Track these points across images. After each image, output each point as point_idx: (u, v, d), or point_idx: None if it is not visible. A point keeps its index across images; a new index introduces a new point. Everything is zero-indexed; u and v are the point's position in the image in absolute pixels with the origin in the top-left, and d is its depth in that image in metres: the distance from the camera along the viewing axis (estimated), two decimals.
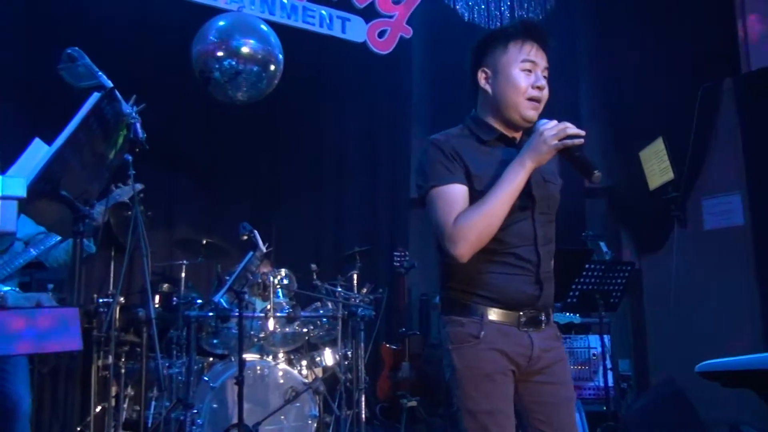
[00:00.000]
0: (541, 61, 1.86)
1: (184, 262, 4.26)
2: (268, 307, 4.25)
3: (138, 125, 1.90)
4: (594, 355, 5.14)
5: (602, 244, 4.39)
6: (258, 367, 4.14)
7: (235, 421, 3.74)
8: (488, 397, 1.77)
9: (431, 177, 1.83)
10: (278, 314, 4.22)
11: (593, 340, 5.15)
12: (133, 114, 1.87)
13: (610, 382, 5.05)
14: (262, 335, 4.36)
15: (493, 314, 1.81)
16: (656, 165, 5.00)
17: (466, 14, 4.87)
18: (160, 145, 5.26)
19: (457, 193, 1.80)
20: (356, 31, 4.61)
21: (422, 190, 1.86)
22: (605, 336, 5.09)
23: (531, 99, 1.84)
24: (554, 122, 1.77)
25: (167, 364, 4.30)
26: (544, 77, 1.86)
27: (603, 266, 4.10)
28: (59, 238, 3.21)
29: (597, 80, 5.73)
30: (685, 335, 4.90)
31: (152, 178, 5.47)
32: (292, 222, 6.16)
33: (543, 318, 1.87)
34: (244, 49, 3.85)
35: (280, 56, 3.99)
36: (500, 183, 1.76)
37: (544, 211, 1.89)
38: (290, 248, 6.00)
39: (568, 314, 4.81)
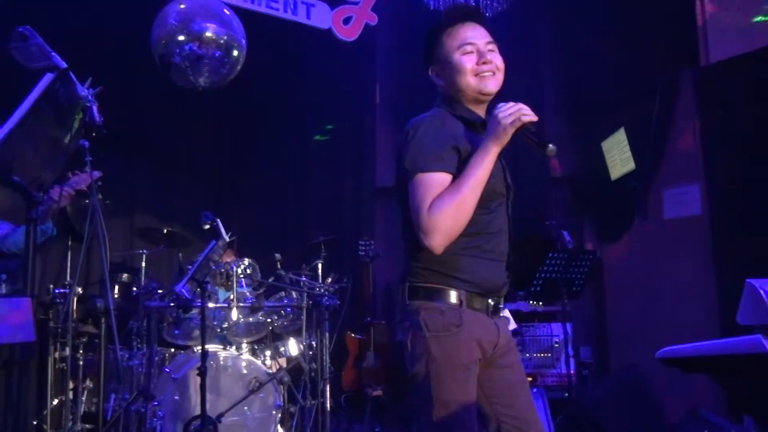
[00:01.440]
0: (480, 38, 1.89)
1: (144, 251, 4.16)
2: (231, 297, 4.19)
3: (95, 108, 1.82)
4: (556, 342, 5.21)
5: (565, 233, 4.44)
6: (221, 358, 4.08)
7: (197, 412, 3.68)
8: (464, 388, 1.77)
9: (421, 162, 1.79)
10: (241, 304, 4.16)
11: (555, 328, 5.21)
12: (89, 97, 1.79)
13: (572, 369, 5.14)
14: (225, 325, 4.31)
15: (470, 299, 1.80)
16: (618, 155, 5.07)
17: (431, 3, 4.84)
18: (120, 131, 5.19)
19: (441, 182, 1.77)
20: (321, 17, 4.54)
21: (407, 174, 1.81)
22: (567, 324, 5.19)
23: (479, 74, 1.87)
24: (510, 104, 1.78)
25: (127, 356, 4.21)
26: (490, 50, 1.88)
27: (566, 255, 4.15)
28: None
29: (560, 72, 5.77)
30: (644, 322, 5.00)
31: (111, 166, 5.32)
32: (256, 211, 6.10)
33: (501, 305, 1.91)
34: (207, 34, 3.76)
35: (243, 41, 3.91)
36: (469, 171, 1.76)
37: (509, 198, 1.94)
38: (254, 238, 5.94)
39: (531, 303, 4.87)
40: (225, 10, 3.93)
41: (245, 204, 6.08)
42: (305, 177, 6.13)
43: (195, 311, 4.06)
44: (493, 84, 1.89)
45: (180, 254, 4.46)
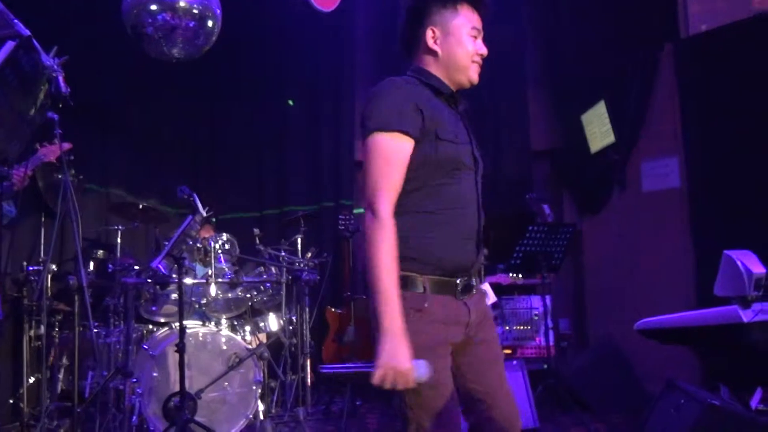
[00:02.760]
0: (481, 28, 1.88)
1: (119, 227, 4.08)
2: (210, 272, 4.14)
3: (61, 79, 1.74)
4: (536, 315, 5.26)
5: (545, 206, 4.44)
6: (200, 334, 4.03)
7: (176, 389, 3.65)
8: (431, 372, 1.69)
9: (379, 118, 1.73)
10: (220, 280, 4.12)
11: (535, 300, 5.26)
12: (55, 67, 1.72)
13: (551, 341, 5.19)
14: (203, 301, 4.26)
15: (434, 284, 1.75)
16: (597, 128, 5.06)
17: None
18: (92, 104, 5.08)
19: (401, 154, 1.72)
20: None
21: (366, 131, 1.75)
22: (546, 296, 5.23)
23: (474, 62, 1.86)
24: (416, 368, 1.65)
25: (104, 333, 4.16)
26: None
27: (546, 228, 4.16)
28: None
29: (542, 45, 5.73)
30: (623, 295, 5.05)
31: (84, 140, 5.21)
32: (234, 185, 6.03)
33: (474, 282, 1.85)
34: (180, 4, 3.64)
35: (218, 11, 3.80)
36: (380, 297, 1.66)
37: (479, 174, 1.88)
38: (232, 212, 5.88)
39: (512, 276, 4.89)
40: None
41: (223, 177, 6.01)
42: (283, 149, 6.05)
43: (172, 287, 4.02)
44: (477, 76, 1.90)
45: (157, 229, 4.38)
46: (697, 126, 4.57)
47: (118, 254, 4.04)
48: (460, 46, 1.83)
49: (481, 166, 1.89)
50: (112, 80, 5.11)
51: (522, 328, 5.35)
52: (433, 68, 1.87)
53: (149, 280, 3.87)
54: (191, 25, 3.68)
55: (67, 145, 3.28)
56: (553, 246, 4.27)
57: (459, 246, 1.77)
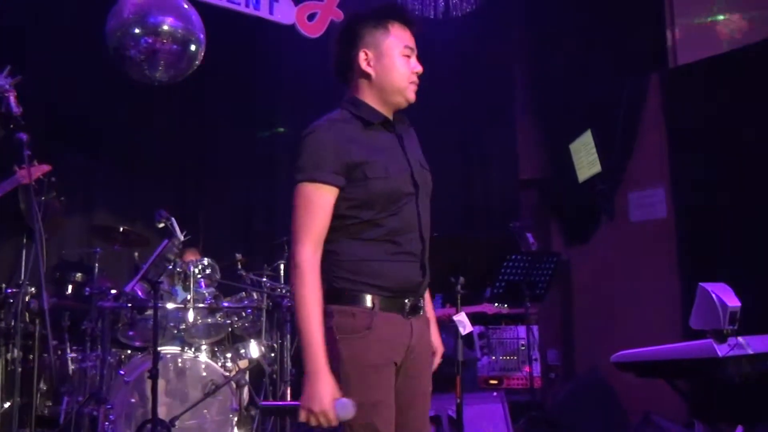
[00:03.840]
0: (414, 46, 1.88)
1: (97, 249, 4.04)
2: (189, 297, 4.09)
3: (12, 98, 1.72)
4: (522, 345, 5.19)
5: (529, 235, 4.40)
6: (177, 360, 3.98)
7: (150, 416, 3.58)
8: (373, 389, 1.75)
9: (304, 168, 1.78)
10: (199, 305, 4.06)
11: (522, 330, 5.19)
12: (6, 86, 1.70)
13: (537, 372, 5.11)
14: (182, 327, 4.20)
15: (383, 303, 1.79)
16: (585, 157, 5.05)
17: None
18: (77, 126, 5.09)
19: (323, 202, 1.77)
20: (284, 12, 4.45)
21: (294, 178, 1.81)
22: (533, 327, 5.16)
23: (412, 82, 1.87)
24: (339, 408, 1.69)
25: (80, 357, 4.10)
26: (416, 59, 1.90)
27: (529, 257, 4.12)
28: None
29: (530, 73, 5.74)
30: (610, 325, 4.98)
31: (69, 162, 5.22)
32: (221, 210, 5.98)
33: (421, 304, 1.89)
34: (163, 27, 3.66)
35: (202, 36, 3.82)
36: (306, 342, 1.71)
37: (424, 198, 1.90)
38: (218, 237, 5.82)
39: (497, 305, 4.82)
40: (183, 4, 3.83)
41: (210, 202, 5.97)
42: (272, 176, 6.02)
43: (150, 312, 3.96)
44: (414, 95, 1.91)
45: (136, 253, 4.34)
46: (683, 156, 4.55)
47: (95, 277, 3.99)
48: (393, 67, 1.83)
49: (423, 188, 1.89)
50: (98, 102, 5.11)
51: (508, 358, 5.27)
52: (368, 93, 1.87)
53: (127, 305, 3.83)
54: (174, 48, 3.68)
55: (45, 167, 3.27)
56: (537, 275, 4.22)
57: (405, 268, 1.82)
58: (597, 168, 4.89)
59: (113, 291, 3.87)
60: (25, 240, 4.57)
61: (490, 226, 5.31)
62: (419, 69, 1.86)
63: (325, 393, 1.67)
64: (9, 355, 4.22)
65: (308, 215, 1.76)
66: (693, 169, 4.45)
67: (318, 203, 1.76)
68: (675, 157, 4.61)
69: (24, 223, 4.55)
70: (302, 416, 1.69)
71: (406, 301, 1.83)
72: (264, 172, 6.00)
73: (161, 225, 3.51)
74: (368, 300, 1.78)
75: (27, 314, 4.25)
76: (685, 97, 4.57)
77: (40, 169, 3.16)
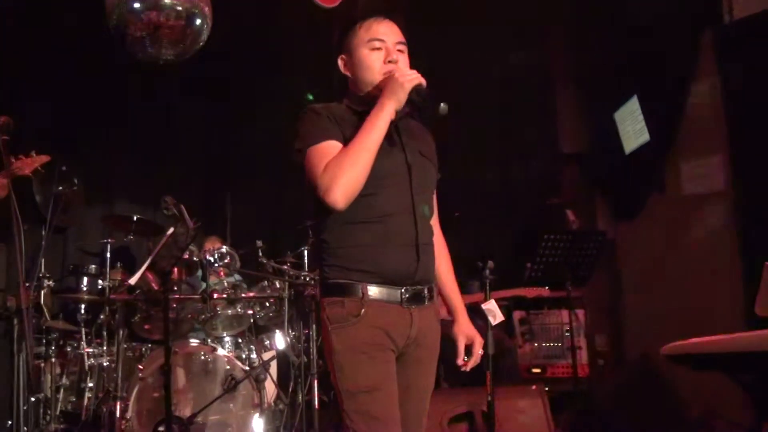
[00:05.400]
0: (392, 35, 1.88)
1: (109, 240, 3.87)
2: (207, 288, 3.89)
3: None
4: (567, 331, 4.84)
5: (568, 212, 4.03)
6: (196, 354, 3.80)
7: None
8: (367, 376, 1.73)
9: (307, 138, 1.80)
10: (217, 296, 3.86)
11: (567, 315, 4.85)
12: None
13: (582, 360, 4.77)
14: (202, 318, 4.02)
15: (374, 292, 1.77)
16: (631, 126, 4.63)
17: None
18: (97, 111, 4.93)
19: (332, 147, 1.77)
20: None
21: (300, 155, 1.81)
22: (578, 311, 4.81)
23: (385, 73, 1.86)
24: (406, 69, 1.84)
25: (97, 352, 3.96)
26: (399, 50, 1.88)
27: (570, 237, 3.75)
28: None
29: (569, 39, 5.31)
30: (663, 309, 4.57)
31: (89, 152, 5.10)
32: (248, 197, 5.78)
33: (426, 293, 1.84)
34: (164, 1, 3.42)
35: (207, 9, 3.56)
36: (363, 126, 1.77)
37: (421, 183, 1.88)
38: (245, 225, 5.63)
39: (537, 288, 4.48)
40: None
41: (237, 190, 5.77)
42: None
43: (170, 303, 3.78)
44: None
45: (150, 243, 4.16)
46: (744, 120, 4.08)
47: (108, 270, 3.82)
48: (361, 64, 1.87)
49: (420, 173, 1.88)
50: (118, 87, 4.95)
51: (552, 345, 4.94)
52: (353, 94, 1.92)
53: (140, 298, 3.66)
54: (177, 24, 3.44)
55: (44, 158, 3.12)
56: (580, 256, 3.87)
57: (396, 254, 1.78)
58: (645, 137, 4.46)
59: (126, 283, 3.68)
60: (44, 232, 4.47)
61: (529, 204, 4.93)
62: (391, 57, 1.85)
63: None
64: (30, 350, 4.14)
65: (321, 159, 1.74)
66: (755, 133, 3.97)
67: (329, 149, 1.76)
68: (733, 122, 4.14)
69: (41, 215, 4.45)
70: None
71: (403, 289, 1.79)
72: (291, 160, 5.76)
73: (168, 212, 3.29)
74: (358, 289, 1.77)
75: (45, 309, 4.17)
76: (742, 54, 4.09)
77: (38, 160, 3.00)
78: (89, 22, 4.05)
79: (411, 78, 1.76)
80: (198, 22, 3.55)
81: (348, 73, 1.92)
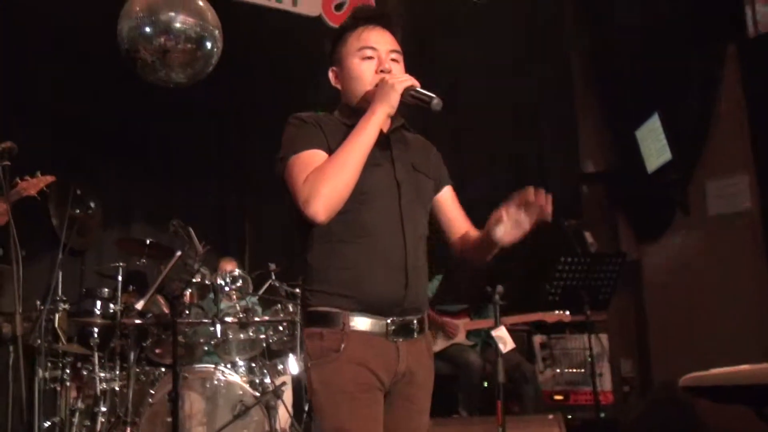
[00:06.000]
0: (384, 44, 1.74)
1: (120, 264, 3.86)
2: (218, 312, 3.85)
3: None
4: (591, 356, 4.70)
5: (586, 234, 3.91)
6: (206, 380, 3.74)
7: None
8: (348, 420, 1.57)
9: (289, 147, 1.67)
10: (228, 319, 3.81)
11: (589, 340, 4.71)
12: None
13: (607, 386, 4.62)
14: (213, 342, 3.97)
15: (356, 322, 1.61)
16: (653, 144, 4.50)
17: None
18: (115, 134, 4.97)
19: (315, 156, 1.63)
20: (309, 3, 4.15)
21: (282, 164, 1.67)
22: (602, 335, 4.66)
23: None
24: (399, 73, 1.72)
25: (109, 377, 3.93)
26: (393, 60, 1.74)
27: (588, 259, 3.63)
28: None
29: (588, 52, 5.21)
30: (689, 333, 4.41)
31: (108, 175, 5.13)
32: (267, 219, 5.76)
33: (415, 325, 1.67)
34: (175, 25, 3.42)
35: (217, 32, 3.56)
36: (351, 134, 1.64)
37: (412, 198, 1.72)
38: (264, 247, 5.61)
39: (557, 312, 4.34)
40: (198, 0, 3.59)
41: (255, 211, 5.76)
42: None
43: (182, 327, 3.75)
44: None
45: (162, 266, 4.13)
46: None
47: (119, 293, 3.80)
48: (351, 76, 1.74)
49: (410, 188, 1.72)
50: (137, 109, 4.98)
51: (575, 370, 4.79)
52: (345, 106, 1.80)
53: (144, 322, 3.63)
54: (187, 47, 3.44)
55: (49, 178, 3.11)
56: (599, 279, 3.73)
57: (382, 278, 1.62)
58: (667, 155, 4.33)
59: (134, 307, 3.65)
60: (60, 255, 4.49)
61: (548, 226, 4.80)
62: (384, 66, 1.71)
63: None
64: (48, 373, 4.14)
65: (303, 168, 1.61)
66: None
67: (312, 158, 1.63)
68: (760, 139, 4.00)
69: (57, 237, 4.47)
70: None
71: (389, 320, 1.63)
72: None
73: (177, 235, 3.27)
74: (339, 319, 1.61)
75: (60, 332, 4.17)
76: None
77: (43, 180, 2.99)
78: (103, 46, 4.10)
79: (402, 80, 1.64)
80: (209, 45, 3.55)
81: (338, 86, 1.79)
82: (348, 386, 1.57)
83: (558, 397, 4.69)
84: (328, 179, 1.56)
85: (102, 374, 3.96)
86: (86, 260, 4.87)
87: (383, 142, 1.71)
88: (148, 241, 4.04)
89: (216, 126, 5.45)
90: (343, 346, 1.58)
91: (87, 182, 4.55)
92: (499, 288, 2.62)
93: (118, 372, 3.93)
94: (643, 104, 4.67)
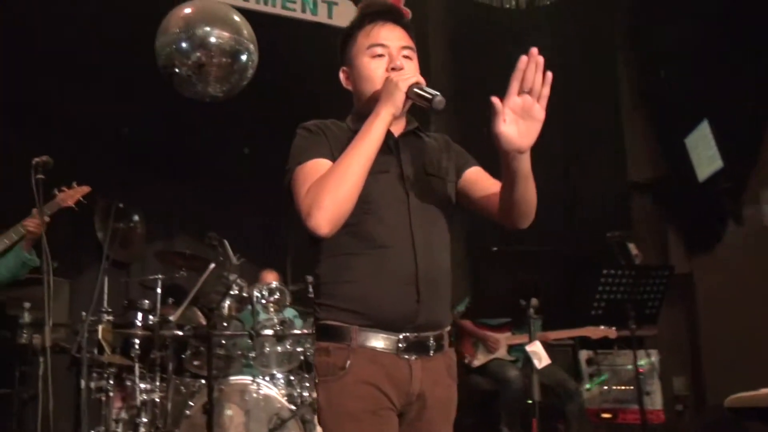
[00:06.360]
0: (395, 40, 1.64)
1: (160, 276, 3.92)
2: (255, 324, 3.86)
3: None
4: (640, 373, 4.51)
5: (630, 245, 3.74)
6: (243, 392, 3.75)
7: None
8: None
9: (294, 159, 1.61)
10: (265, 332, 3.81)
11: (640, 355, 4.52)
12: None
13: (657, 405, 4.44)
14: (252, 355, 3.98)
15: (364, 337, 1.52)
16: (703, 152, 4.30)
17: None
18: (161, 148, 5.08)
19: (319, 166, 1.55)
20: (345, 15, 4.14)
21: (288, 176, 1.61)
22: (651, 352, 4.49)
23: None
24: (403, 71, 1.59)
25: (149, 388, 3.97)
26: (405, 56, 1.64)
27: (632, 272, 3.48)
28: None
29: (636, 60, 5.04)
30: (746, 349, 4.17)
31: (153, 188, 5.24)
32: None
33: (431, 342, 1.56)
34: (210, 39, 3.46)
35: (252, 46, 3.59)
36: (354, 139, 1.54)
37: (424, 205, 1.61)
38: (307, 259, 5.61)
39: (602, 327, 4.19)
40: (233, 14, 3.63)
41: (297, 224, 5.77)
42: None
43: (215, 340, 3.77)
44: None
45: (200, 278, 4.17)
46: None
47: (159, 304, 3.85)
48: (361, 75, 1.64)
49: (421, 194, 1.61)
50: (182, 124, 5.08)
51: (623, 388, 4.60)
52: (358, 106, 1.70)
53: (181, 333, 3.66)
54: (222, 61, 3.47)
55: (85, 189, 3.17)
56: (646, 292, 3.56)
57: (391, 293, 1.52)
58: (718, 163, 4.14)
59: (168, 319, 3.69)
60: (102, 267, 4.59)
61: (595, 238, 4.64)
62: (395, 64, 1.61)
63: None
64: (93, 384, 4.22)
65: (308, 179, 1.54)
66: None
67: (316, 168, 1.55)
68: None
69: (102, 251, 4.58)
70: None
71: (401, 336, 1.53)
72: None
73: (211, 246, 3.29)
74: (347, 334, 1.52)
75: (105, 344, 4.26)
76: None
77: (79, 191, 3.06)
78: (146, 62, 4.19)
79: (407, 77, 1.53)
80: (244, 58, 3.57)
81: (350, 87, 1.70)
82: (353, 407, 1.48)
83: (606, 416, 4.52)
84: (329, 190, 1.47)
85: (142, 385, 4.01)
86: (131, 272, 4.97)
87: (392, 146, 1.63)
88: (187, 253, 4.08)
89: (259, 138, 5.51)
90: (348, 362, 1.50)
91: (131, 196, 4.64)
92: (534, 301, 2.52)
93: (158, 383, 3.98)
94: (692, 110, 4.48)
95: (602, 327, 4.14)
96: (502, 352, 4.22)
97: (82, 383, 3.82)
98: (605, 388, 4.63)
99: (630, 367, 4.47)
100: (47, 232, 3.03)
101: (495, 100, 1.39)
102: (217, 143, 5.32)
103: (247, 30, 3.64)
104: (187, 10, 3.54)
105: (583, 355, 4.67)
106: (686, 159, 4.55)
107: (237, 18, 3.64)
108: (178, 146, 5.18)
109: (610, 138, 5.11)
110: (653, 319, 3.66)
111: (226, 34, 3.51)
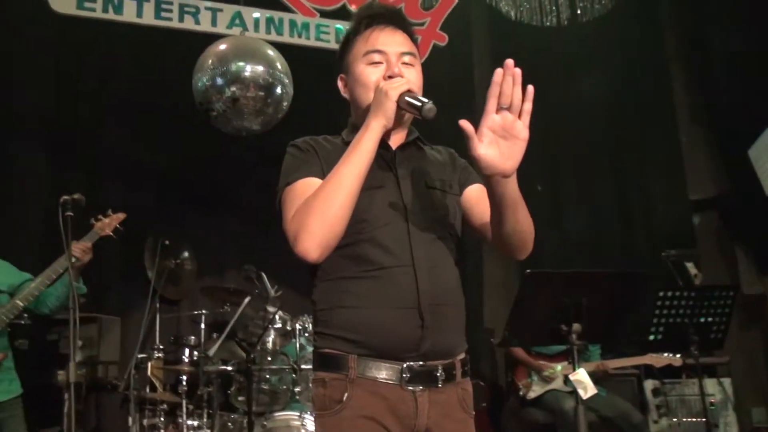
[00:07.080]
0: (394, 45, 1.53)
1: (203, 311, 3.92)
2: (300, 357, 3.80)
3: None
4: (712, 403, 4.20)
5: (688, 265, 3.49)
6: (287, 428, 3.67)
7: None
8: None
9: (283, 178, 1.52)
10: (304, 366, 3.74)
11: (710, 384, 4.22)
12: None
13: None
14: (297, 390, 3.90)
15: (363, 367, 1.39)
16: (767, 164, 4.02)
17: (512, 12, 4.24)
18: (208, 185, 5.14)
19: (308, 186, 1.45)
20: None
21: (276, 197, 1.53)
22: (724, 380, 4.18)
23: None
24: (394, 79, 1.47)
25: (196, 424, 3.96)
26: (405, 63, 1.53)
27: (692, 293, 3.23)
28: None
29: (692, 72, 4.80)
30: None
31: (201, 225, 5.30)
32: None
33: (440, 372, 1.41)
34: (245, 74, 3.50)
35: (287, 80, 3.61)
36: (344, 154, 1.43)
37: (426, 222, 1.48)
38: None
39: (666, 355, 3.92)
40: (267, 49, 3.67)
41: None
42: None
43: (258, 375, 3.73)
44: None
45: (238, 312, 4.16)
46: None
47: (203, 340, 3.85)
48: (358, 83, 1.54)
49: (421, 208, 1.49)
50: (224, 161, 5.15)
51: (694, 420, 4.28)
52: (355, 116, 1.60)
53: (229, 368, 3.63)
54: (258, 95, 3.50)
55: (121, 216, 3.20)
56: (710, 315, 3.31)
57: (391, 318, 1.39)
58: None
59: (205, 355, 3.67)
60: (158, 304, 4.64)
61: (654, 260, 4.38)
62: (392, 71, 1.49)
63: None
64: (146, 421, 4.24)
65: (296, 199, 1.44)
66: None
67: (304, 188, 1.46)
68: None
69: (152, 287, 4.64)
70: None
71: (405, 365, 1.40)
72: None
73: (248, 279, 3.26)
74: (345, 363, 1.40)
75: (156, 380, 4.29)
76: None
77: (116, 219, 3.10)
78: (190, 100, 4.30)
79: (397, 85, 1.42)
80: (278, 91, 3.59)
81: (347, 95, 1.61)
82: None
83: None
84: (316, 212, 1.36)
85: (189, 422, 4.00)
86: (181, 308, 5.01)
87: (388, 159, 1.52)
88: (231, 288, 4.08)
89: None
90: (346, 395, 1.38)
91: (179, 233, 4.71)
92: (576, 326, 2.35)
93: (205, 419, 3.97)
94: (753, 121, 4.21)
95: (666, 354, 3.88)
96: (558, 383, 4.00)
97: (129, 420, 3.84)
98: (674, 420, 4.32)
99: (699, 396, 4.17)
100: (94, 265, 3.09)
101: (464, 123, 1.28)
102: (262, 178, 5.35)
103: (281, 63, 3.67)
104: (222, 47, 3.60)
105: (649, 384, 4.38)
106: (750, 172, 4.26)
107: (271, 52, 3.68)
108: (224, 183, 5.23)
109: (668, 154, 4.86)
110: (719, 343, 3.39)
111: (260, 68, 3.54)
